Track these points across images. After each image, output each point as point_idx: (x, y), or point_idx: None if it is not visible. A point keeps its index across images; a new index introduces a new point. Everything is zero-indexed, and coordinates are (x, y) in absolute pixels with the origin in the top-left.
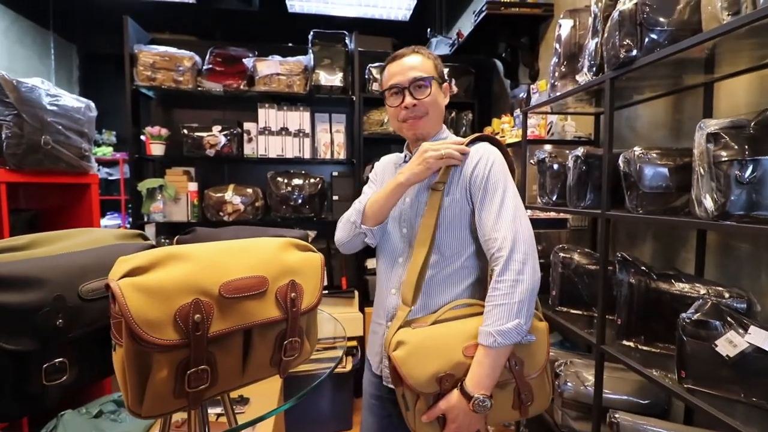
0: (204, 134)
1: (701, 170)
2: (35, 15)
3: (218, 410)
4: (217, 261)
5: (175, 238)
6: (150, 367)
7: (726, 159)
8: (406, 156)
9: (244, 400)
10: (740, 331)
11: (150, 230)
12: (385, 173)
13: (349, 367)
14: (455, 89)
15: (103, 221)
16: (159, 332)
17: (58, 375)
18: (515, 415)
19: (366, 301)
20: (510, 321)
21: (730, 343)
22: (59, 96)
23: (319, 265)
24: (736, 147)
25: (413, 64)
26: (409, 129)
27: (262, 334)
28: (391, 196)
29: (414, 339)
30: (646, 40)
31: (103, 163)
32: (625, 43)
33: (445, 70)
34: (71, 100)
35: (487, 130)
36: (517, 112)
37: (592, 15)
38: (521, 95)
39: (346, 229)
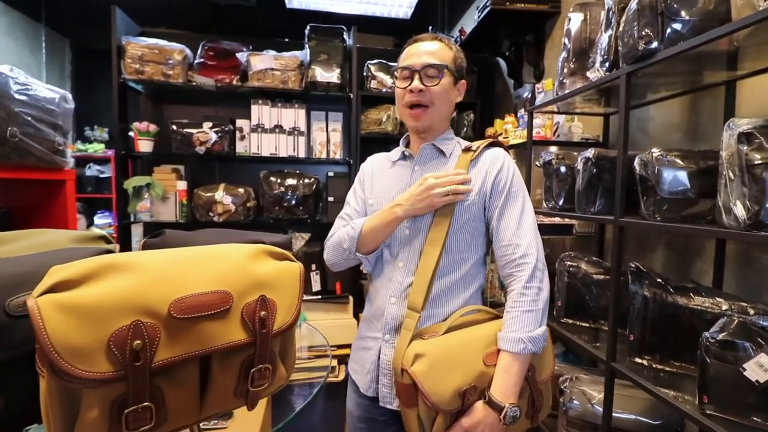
0: (194, 131)
1: (730, 174)
2: (26, 7)
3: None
4: (169, 273)
5: (141, 242)
6: (78, 404)
7: (761, 162)
8: (403, 152)
9: (227, 414)
10: None
11: (137, 230)
12: (376, 175)
13: (342, 376)
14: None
15: (95, 220)
16: (87, 363)
17: None
18: (526, 425)
19: (361, 307)
20: (538, 327)
21: (760, 368)
22: (29, 85)
23: (298, 277)
24: None
25: (431, 49)
26: (412, 119)
27: (223, 361)
28: (387, 226)
29: (433, 350)
30: (668, 30)
31: (94, 160)
32: (644, 33)
33: None
34: (44, 90)
35: (489, 131)
36: (522, 112)
37: (606, 6)
38: (525, 95)
39: (337, 253)
